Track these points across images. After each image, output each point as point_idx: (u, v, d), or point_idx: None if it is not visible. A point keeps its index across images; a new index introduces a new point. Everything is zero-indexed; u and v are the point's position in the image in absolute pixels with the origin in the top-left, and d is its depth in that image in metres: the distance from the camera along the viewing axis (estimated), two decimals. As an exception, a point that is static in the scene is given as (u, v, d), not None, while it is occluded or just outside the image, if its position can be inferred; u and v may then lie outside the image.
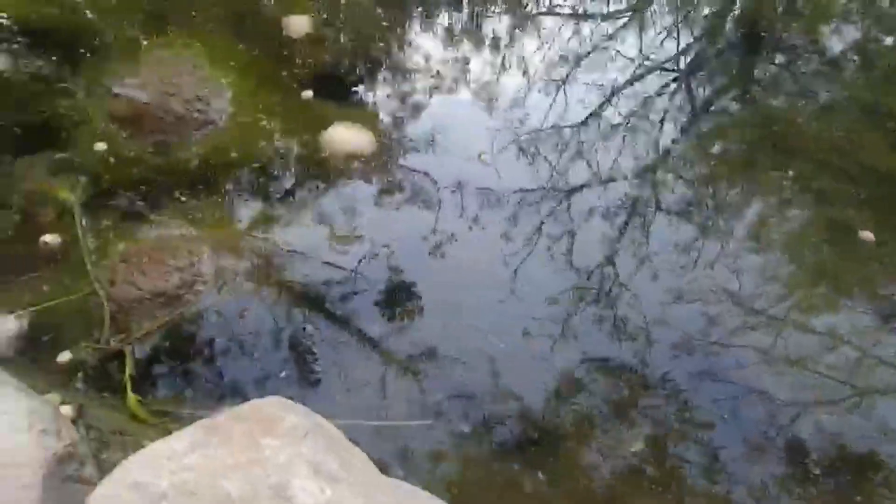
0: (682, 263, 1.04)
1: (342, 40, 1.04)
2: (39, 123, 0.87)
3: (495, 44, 1.51)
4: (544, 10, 1.63)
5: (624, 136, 1.29)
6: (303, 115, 1.00)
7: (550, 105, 1.34)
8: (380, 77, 1.28)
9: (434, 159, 1.19)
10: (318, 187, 0.98)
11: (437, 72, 1.36)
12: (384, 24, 1.27)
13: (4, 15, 0.93)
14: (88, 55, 0.94)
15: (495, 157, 1.20)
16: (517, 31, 1.59)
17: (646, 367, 0.92)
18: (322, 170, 0.97)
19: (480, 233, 1.06)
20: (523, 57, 1.46)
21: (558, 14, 1.60)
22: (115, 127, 0.91)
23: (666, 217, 1.14)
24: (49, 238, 0.78)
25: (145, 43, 0.95)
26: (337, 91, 1.15)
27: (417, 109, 1.30)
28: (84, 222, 0.83)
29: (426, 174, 1.19)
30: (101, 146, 0.88)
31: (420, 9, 1.47)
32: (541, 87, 1.37)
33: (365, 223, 0.99)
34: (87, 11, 0.99)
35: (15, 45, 0.93)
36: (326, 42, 1.03)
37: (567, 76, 1.41)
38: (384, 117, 1.18)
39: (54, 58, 0.93)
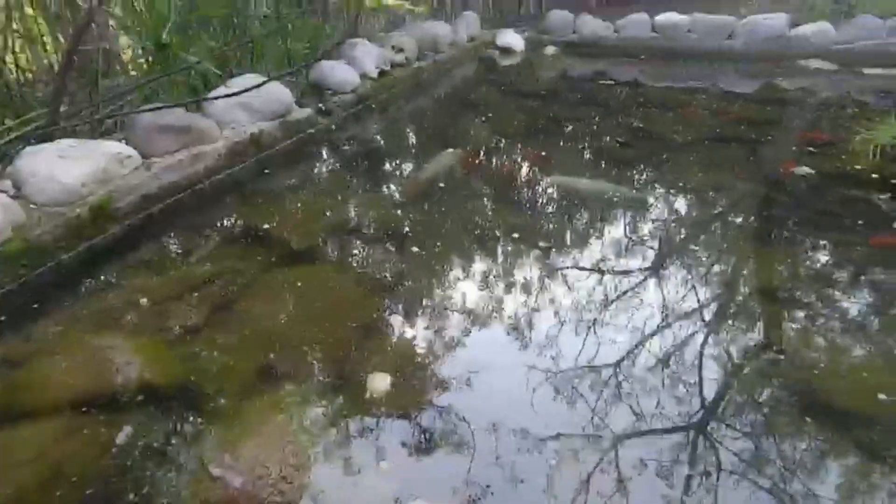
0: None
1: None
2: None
3: (526, 292, 1.56)
4: (570, 265, 1.76)
5: (661, 382, 1.19)
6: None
7: (581, 349, 1.30)
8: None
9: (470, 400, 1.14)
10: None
11: (468, 322, 1.40)
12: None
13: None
14: (200, 419, 1.06)
15: (531, 395, 1.12)
16: (545, 281, 1.68)
17: None
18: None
19: (518, 484, 0.94)
20: (553, 305, 1.50)
21: (582, 268, 1.72)
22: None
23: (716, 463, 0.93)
24: None
25: (258, 402, 1.07)
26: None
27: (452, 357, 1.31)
28: None
29: (462, 417, 1.11)
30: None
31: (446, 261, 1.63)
32: (570, 334, 1.36)
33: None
34: (208, 365, 1.17)
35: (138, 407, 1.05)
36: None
37: (594, 323, 1.41)
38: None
39: (163, 421, 1.04)
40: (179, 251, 1.65)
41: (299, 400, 1.07)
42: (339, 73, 2.86)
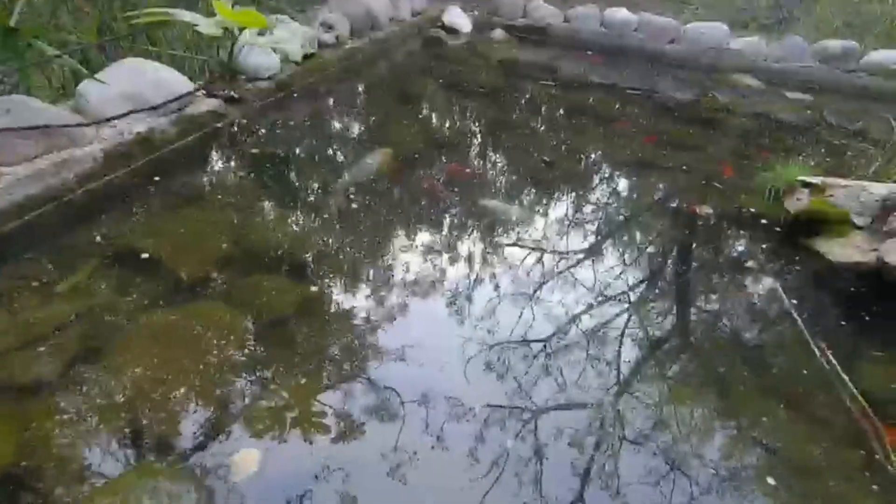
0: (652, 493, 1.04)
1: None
2: None
3: (468, 266, 1.68)
4: (512, 241, 1.83)
5: (587, 355, 1.38)
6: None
7: (516, 322, 1.47)
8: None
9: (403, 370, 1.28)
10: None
11: (408, 290, 1.53)
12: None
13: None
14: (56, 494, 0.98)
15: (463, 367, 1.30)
16: (488, 257, 1.74)
17: None
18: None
19: (444, 452, 1.12)
20: (494, 279, 1.63)
21: (524, 246, 1.81)
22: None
23: (633, 440, 1.20)
24: None
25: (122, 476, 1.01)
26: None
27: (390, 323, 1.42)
28: None
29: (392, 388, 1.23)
30: None
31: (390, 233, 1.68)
32: (507, 308, 1.52)
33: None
34: None
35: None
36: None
37: (532, 298, 1.56)
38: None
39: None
40: (34, 283, 1.47)
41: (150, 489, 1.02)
42: (254, 55, 2.59)
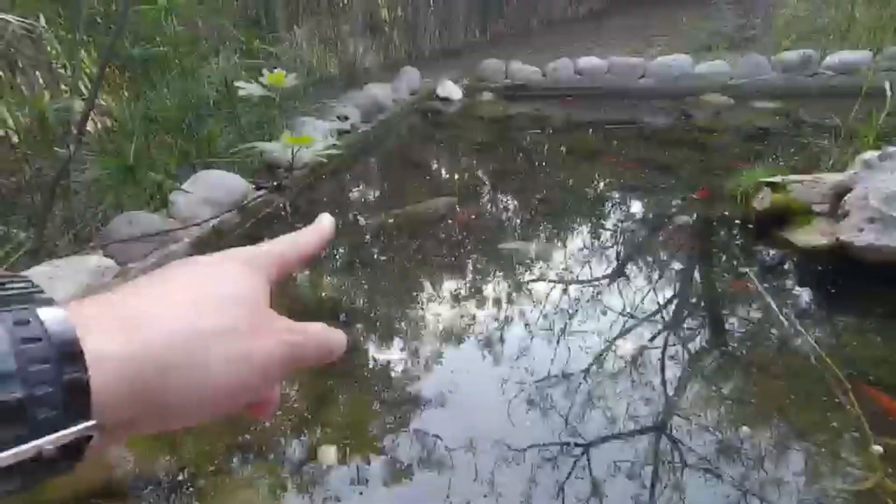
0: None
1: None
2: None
3: (497, 306, 1.95)
4: (535, 277, 2.13)
5: (630, 382, 1.58)
6: None
7: (553, 356, 1.68)
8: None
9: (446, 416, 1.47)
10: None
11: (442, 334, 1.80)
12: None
13: None
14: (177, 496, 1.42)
15: (508, 406, 1.51)
16: (514, 295, 2.04)
17: None
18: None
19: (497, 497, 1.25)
20: (523, 316, 1.89)
21: (549, 280, 2.08)
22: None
23: (691, 463, 1.34)
24: None
25: (226, 486, 1.44)
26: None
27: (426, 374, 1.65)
28: None
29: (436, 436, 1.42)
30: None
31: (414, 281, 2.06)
32: (542, 343, 1.76)
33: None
34: None
35: None
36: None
37: (564, 331, 1.80)
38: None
39: None
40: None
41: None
42: (289, 153, 3.24)
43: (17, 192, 2.54)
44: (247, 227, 2.77)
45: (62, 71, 2.89)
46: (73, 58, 2.47)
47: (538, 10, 9.51)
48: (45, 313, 0.20)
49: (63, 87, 2.81)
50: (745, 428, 1.47)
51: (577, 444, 1.45)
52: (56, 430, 0.19)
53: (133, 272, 2.14)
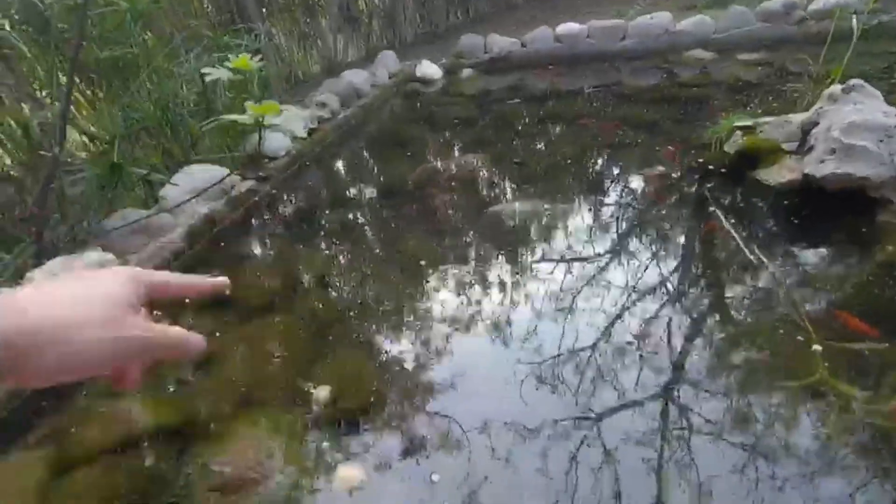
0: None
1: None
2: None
3: (502, 289, 2.04)
4: (539, 258, 2.21)
5: (639, 355, 1.63)
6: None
7: (562, 334, 1.73)
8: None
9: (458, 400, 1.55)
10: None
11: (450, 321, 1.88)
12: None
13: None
14: (194, 439, 1.62)
15: (519, 386, 1.57)
16: (519, 277, 2.13)
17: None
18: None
19: (514, 473, 1.31)
20: (528, 298, 1.96)
21: (552, 259, 2.17)
22: (212, 492, 1.50)
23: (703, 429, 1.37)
24: None
25: (236, 426, 1.64)
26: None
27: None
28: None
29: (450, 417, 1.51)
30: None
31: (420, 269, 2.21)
32: (549, 321, 1.81)
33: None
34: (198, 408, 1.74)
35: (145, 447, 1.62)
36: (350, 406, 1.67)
37: (570, 308, 1.86)
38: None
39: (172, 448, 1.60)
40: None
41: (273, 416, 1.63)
42: (271, 140, 3.43)
43: (12, 202, 2.76)
44: (236, 216, 2.96)
45: (35, 85, 3.08)
46: (48, 68, 2.66)
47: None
48: None
49: (42, 96, 3.00)
50: (715, 345, 1.64)
51: (533, 362, 1.63)
52: None
53: (132, 263, 2.34)
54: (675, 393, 1.50)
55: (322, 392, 1.68)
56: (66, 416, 1.76)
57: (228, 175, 2.64)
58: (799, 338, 1.59)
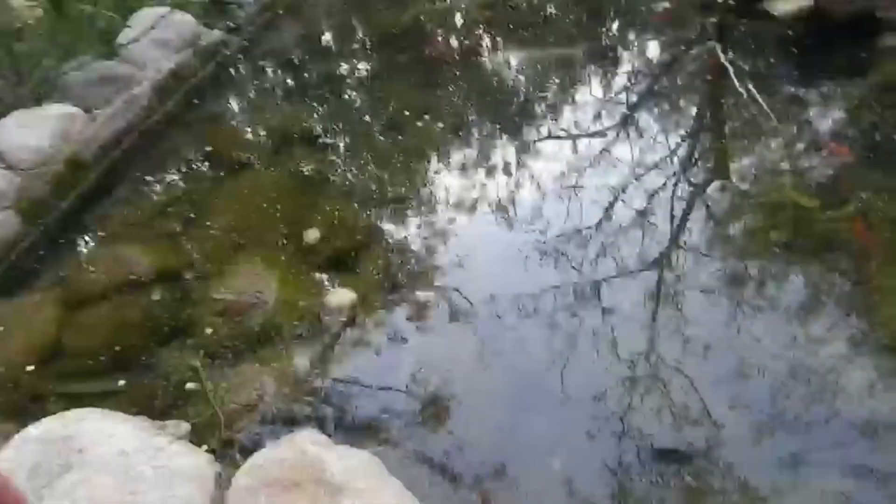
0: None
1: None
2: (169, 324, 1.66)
3: (506, 169, 1.98)
4: (544, 135, 2.09)
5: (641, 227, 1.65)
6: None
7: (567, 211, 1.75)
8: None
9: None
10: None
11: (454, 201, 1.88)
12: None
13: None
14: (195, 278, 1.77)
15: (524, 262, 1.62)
16: (523, 154, 2.05)
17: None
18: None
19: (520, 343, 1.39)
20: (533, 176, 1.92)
21: (557, 137, 2.07)
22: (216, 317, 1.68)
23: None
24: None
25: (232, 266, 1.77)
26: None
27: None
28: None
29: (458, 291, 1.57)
30: (209, 330, 1.64)
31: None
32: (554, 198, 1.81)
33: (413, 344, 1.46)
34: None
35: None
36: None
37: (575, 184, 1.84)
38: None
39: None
40: (147, 183, 2.22)
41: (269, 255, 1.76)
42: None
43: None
44: (207, 71, 2.80)
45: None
46: None
47: None
48: None
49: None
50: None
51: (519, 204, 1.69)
52: None
53: (99, 118, 2.29)
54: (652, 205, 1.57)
55: (312, 234, 1.79)
56: (67, 262, 1.89)
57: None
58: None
